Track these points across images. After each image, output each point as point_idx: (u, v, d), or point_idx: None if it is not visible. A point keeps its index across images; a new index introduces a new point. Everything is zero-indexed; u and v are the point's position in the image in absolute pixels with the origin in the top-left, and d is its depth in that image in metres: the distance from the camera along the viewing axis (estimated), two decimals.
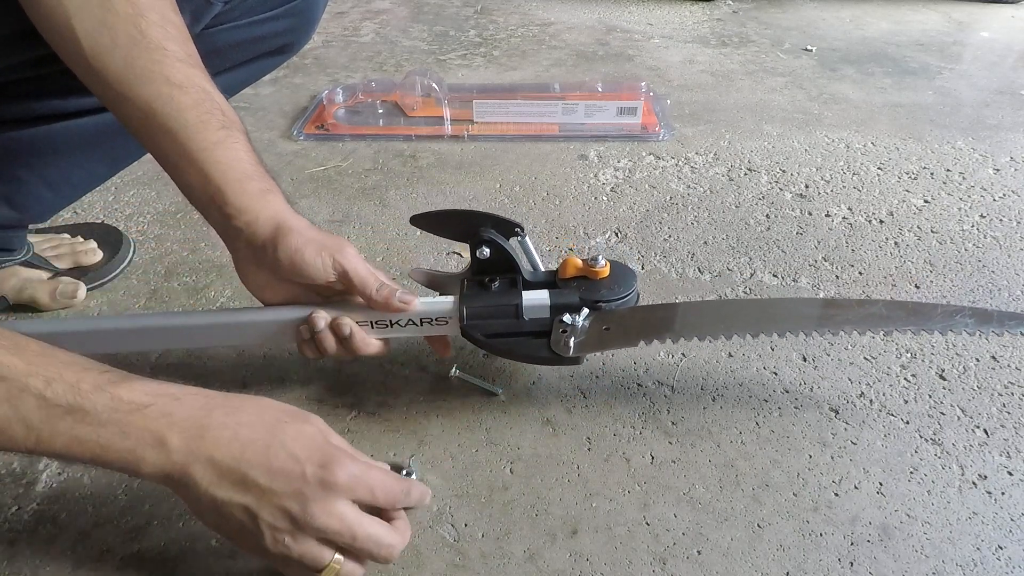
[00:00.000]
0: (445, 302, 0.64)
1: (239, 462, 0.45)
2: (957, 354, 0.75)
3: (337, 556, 0.48)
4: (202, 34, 0.72)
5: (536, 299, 0.63)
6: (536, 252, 0.67)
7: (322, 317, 0.61)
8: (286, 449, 0.46)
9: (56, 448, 0.43)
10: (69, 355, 0.45)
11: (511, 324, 0.63)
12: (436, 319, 0.64)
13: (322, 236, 0.59)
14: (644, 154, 1.16)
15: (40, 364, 0.43)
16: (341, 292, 0.63)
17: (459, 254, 0.92)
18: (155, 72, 0.56)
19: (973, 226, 0.97)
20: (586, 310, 0.63)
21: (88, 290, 0.83)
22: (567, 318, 0.63)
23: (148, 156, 0.61)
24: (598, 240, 0.94)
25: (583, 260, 0.66)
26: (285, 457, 0.46)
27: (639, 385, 0.71)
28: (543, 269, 0.68)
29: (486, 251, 0.65)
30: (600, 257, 0.65)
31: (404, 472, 0.61)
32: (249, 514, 0.46)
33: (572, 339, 0.61)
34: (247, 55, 0.81)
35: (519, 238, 0.66)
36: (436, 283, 0.70)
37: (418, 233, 0.96)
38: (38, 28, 0.57)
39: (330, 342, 0.61)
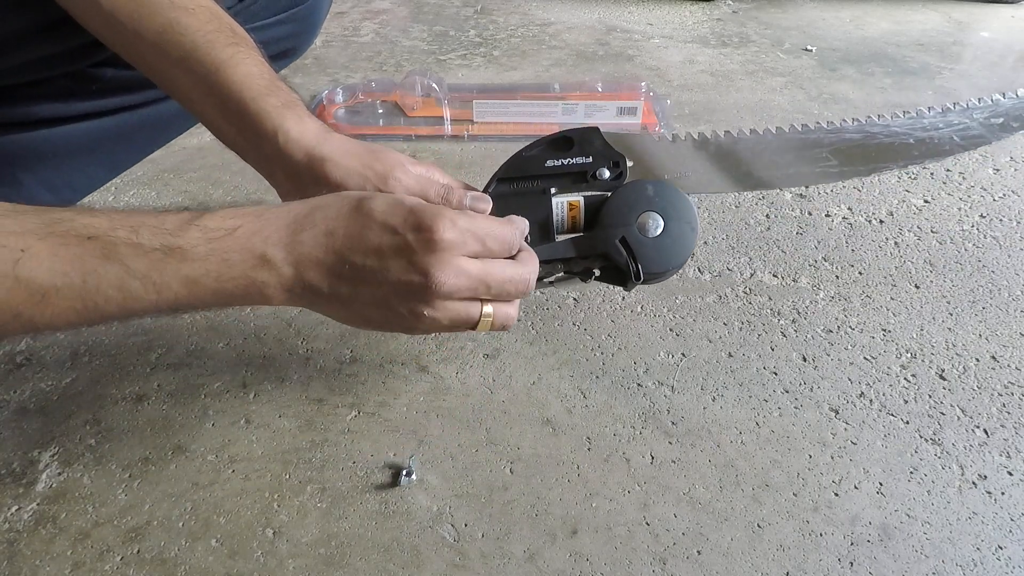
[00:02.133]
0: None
1: (340, 254, 0.44)
2: (957, 354, 0.75)
3: (486, 308, 0.47)
4: None
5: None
6: None
7: None
8: (378, 222, 0.44)
9: (177, 295, 0.42)
10: (142, 208, 0.44)
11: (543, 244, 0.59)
12: None
13: (362, 162, 0.54)
14: None
15: (120, 218, 0.42)
16: None
17: None
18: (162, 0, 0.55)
19: (973, 226, 0.97)
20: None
21: None
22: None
23: (148, 157, 0.61)
24: None
25: None
26: (380, 231, 0.44)
27: (639, 385, 0.71)
28: None
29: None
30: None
31: (404, 472, 0.61)
32: (380, 301, 0.45)
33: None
34: None
35: None
36: None
37: None
38: None
39: None
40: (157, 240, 0.41)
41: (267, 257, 0.43)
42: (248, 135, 0.54)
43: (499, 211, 0.57)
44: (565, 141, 0.59)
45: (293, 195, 0.56)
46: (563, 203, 0.59)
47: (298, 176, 0.54)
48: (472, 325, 0.48)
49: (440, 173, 0.58)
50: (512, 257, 0.50)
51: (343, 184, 0.53)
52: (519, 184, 0.60)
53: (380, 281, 0.44)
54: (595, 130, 0.59)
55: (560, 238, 0.59)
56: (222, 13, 0.58)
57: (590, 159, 0.59)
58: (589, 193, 0.59)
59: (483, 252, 0.47)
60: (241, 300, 0.44)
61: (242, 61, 0.55)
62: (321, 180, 0.53)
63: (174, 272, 0.42)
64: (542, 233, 0.59)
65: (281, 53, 0.84)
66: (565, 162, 0.59)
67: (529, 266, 0.50)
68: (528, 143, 0.60)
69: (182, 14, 0.55)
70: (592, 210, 0.59)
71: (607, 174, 0.59)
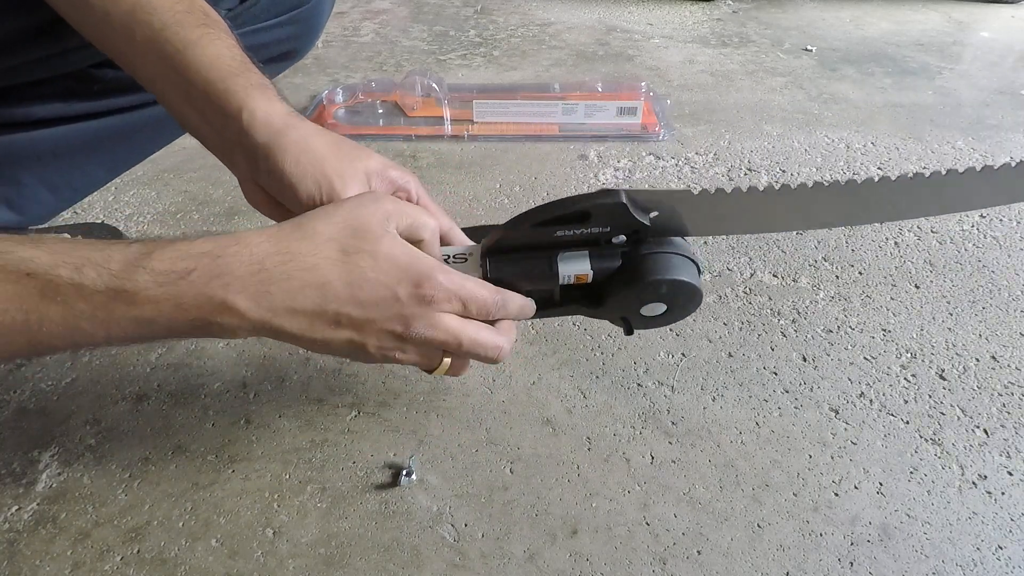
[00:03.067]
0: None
1: (324, 305, 0.43)
2: (957, 354, 0.75)
3: (446, 360, 0.49)
4: None
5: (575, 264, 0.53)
6: None
7: None
8: (369, 278, 0.44)
9: (128, 333, 0.40)
10: (89, 240, 0.42)
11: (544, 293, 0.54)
12: (454, 256, 0.54)
13: (320, 171, 0.50)
14: (644, 154, 1.16)
15: (63, 252, 0.40)
16: None
17: None
18: None
19: (973, 226, 0.97)
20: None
21: None
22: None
23: (148, 157, 0.60)
24: None
25: None
26: (372, 286, 0.44)
27: (639, 385, 0.71)
28: None
29: None
30: None
31: (404, 472, 0.61)
32: (354, 343, 0.45)
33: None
34: None
35: None
36: None
37: None
38: None
39: None
40: (102, 281, 0.39)
41: (228, 304, 0.41)
42: (212, 116, 0.52)
43: (499, 281, 0.53)
44: (581, 215, 0.51)
45: (249, 181, 0.53)
46: (571, 276, 0.53)
47: (256, 161, 0.51)
48: (430, 370, 0.50)
49: (415, 182, 0.56)
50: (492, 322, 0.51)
51: (294, 187, 0.50)
52: (522, 253, 0.53)
53: (360, 330, 0.45)
54: (622, 206, 0.51)
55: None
56: None
57: (608, 228, 0.53)
58: (601, 266, 0.53)
59: (463, 313, 0.48)
60: (200, 335, 0.43)
61: (212, 42, 0.53)
62: (274, 174, 0.50)
63: (123, 313, 0.40)
64: (544, 300, 0.55)
65: (283, 55, 0.84)
66: (578, 232, 0.52)
67: (505, 337, 0.51)
68: (535, 207, 0.52)
69: None
70: (602, 277, 0.54)
71: (623, 238, 0.54)
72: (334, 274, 0.43)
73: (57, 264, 0.39)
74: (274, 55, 0.83)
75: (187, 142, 1.12)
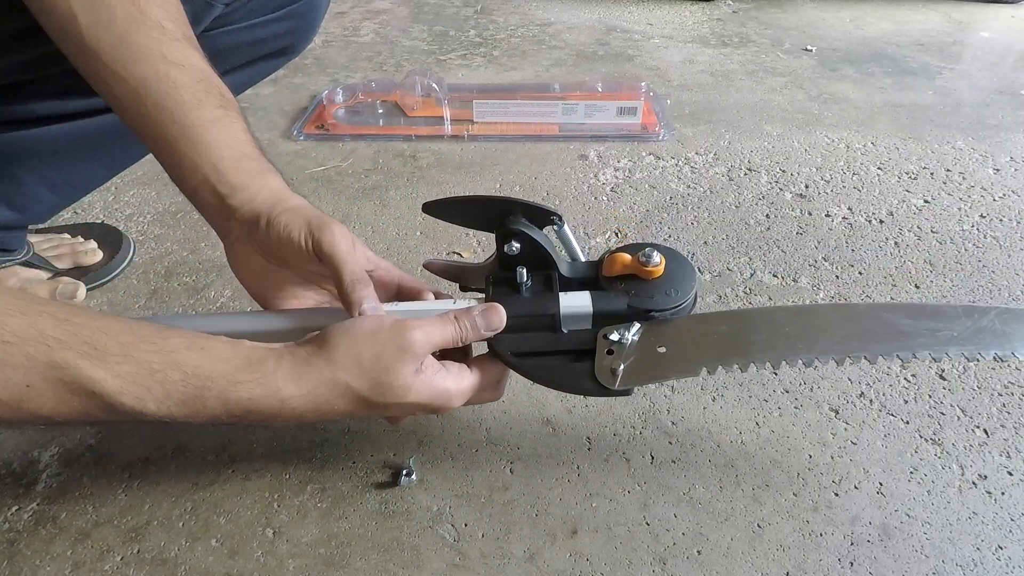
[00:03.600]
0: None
1: (352, 416, 0.50)
2: None
3: None
4: (203, 36, 0.72)
5: (576, 305, 0.53)
6: (576, 241, 0.58)
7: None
8: (392, 410, 0.51)
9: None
10: (145, 352, 0.44)
11: (547, 339, 0.53)
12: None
13: (313, 214, 0.55)
14: (644, 154, 1.16)
15: (127, 377, 0.43)
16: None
17: (459, 254, 0.92)
18: (152, 50, 0.55)
19: (973, 226, 0.97)
20: (636, 324, 0.53)
21: (88, 290, 0.83)
22: (614, 335, 0.52)
23: (149, 156, 0.60)
24: (598, 240, 0.94)
25: (632, 256, 0.55)
26: (395, 407, 0.50)
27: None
28: (583, 260, 0.58)
29: (515, 246, 0.54)
30: (654, 253, 0.54)
31: (404, 472, 0.61)
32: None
33: (620, 364, 0.51)
34: (248, 57, 0.81)
35: (556, 227, 0.56)
36: (456, 274, 0.61)
37: (418, 233, 0.96)
38: (29, 6, 0.56)
39: None
40: (161, 413, 0.45)
41: (277, 423, 0.53)
42: (217, 188, 0.55)
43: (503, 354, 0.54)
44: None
45: (242, 244, 0.56)
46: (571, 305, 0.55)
47: (255, 223, 0.55)
48: None
49: (384, 268, 0.59)
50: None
51: (289, 226, 0.54)
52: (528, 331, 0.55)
53: (380, 415, 0.53)
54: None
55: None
56: (212, 74, 0.58)
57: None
58: (604, 309, 0.54)
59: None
60: None
61: (229, 124, 0.57)
62: (272, 223, 0.54)
63: (182, 424, 0.47)
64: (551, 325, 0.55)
65: (280, 50, 0.83)
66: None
67: (501, 391, 0.57)
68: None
69: (172, 68, 0.56)
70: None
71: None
72: (362, 413, 0.50)
73: (121, 392, 0.43)
74: (272, 50, 0.83)
75: None
